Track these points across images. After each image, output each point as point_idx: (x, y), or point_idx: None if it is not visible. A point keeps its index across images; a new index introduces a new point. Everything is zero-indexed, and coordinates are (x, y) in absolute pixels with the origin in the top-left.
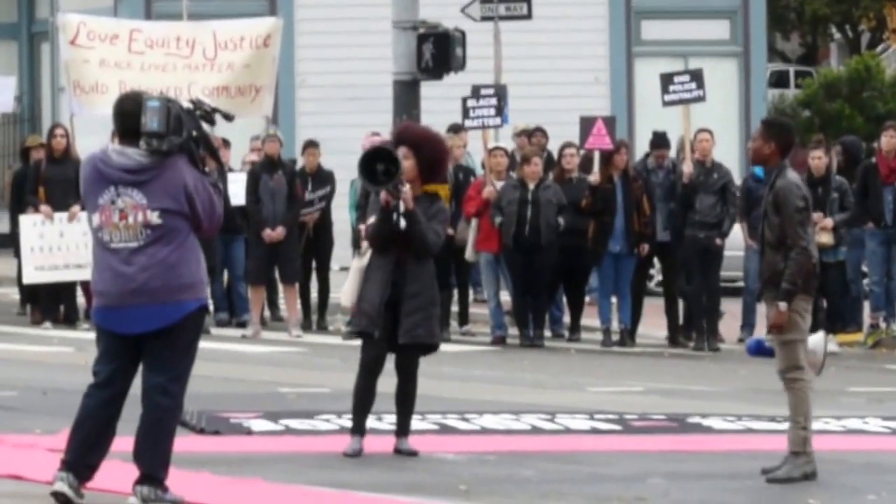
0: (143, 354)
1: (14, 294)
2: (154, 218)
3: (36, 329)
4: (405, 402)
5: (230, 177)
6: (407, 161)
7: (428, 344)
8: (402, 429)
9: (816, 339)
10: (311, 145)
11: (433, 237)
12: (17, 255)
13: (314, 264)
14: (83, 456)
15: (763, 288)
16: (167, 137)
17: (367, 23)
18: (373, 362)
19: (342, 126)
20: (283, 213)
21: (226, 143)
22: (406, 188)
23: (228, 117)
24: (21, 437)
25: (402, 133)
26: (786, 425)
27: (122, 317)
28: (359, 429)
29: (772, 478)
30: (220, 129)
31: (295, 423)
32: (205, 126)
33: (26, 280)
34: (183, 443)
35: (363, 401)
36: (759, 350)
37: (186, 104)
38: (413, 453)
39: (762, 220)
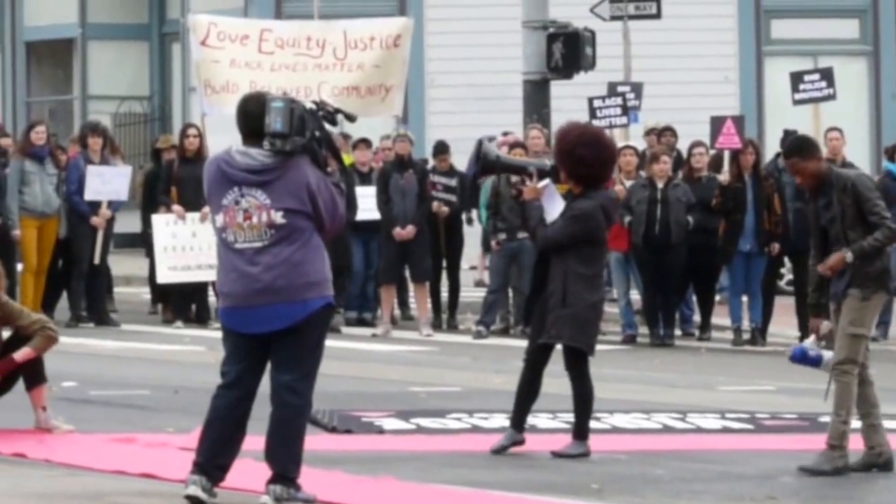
0: (270, 353)
1: (145, 293)
2: (278, 218)
3: (167, 328)
4: (574, 403)
5: (359, 191)
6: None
7: (553, 345)
8: (574, 430)
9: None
10: (441, 151)
11: (543, 232)
12: (149, 254)
13: (444, 263)
14: (215, 457)
15: (846, 288)
16: (290, 138)
17: (496, 23)
18: (528, 353)
19: (472, 126)
20: (413, 212)
21: (365, 142)
22: (529, 183)
23: (351, 118)
24: (153, 435)
25: None
26: None
27: (249, 317)
28: (513, 422)
29: (803, 467)
30: (351, 129)
31: (426, 422)
32: (327, 126)
33: (160, 280)
34: (315, 442)
35: (518, 394)
36: (803, 358)
37: (310, 104)
38: (565, 455)
39: (839, 224)
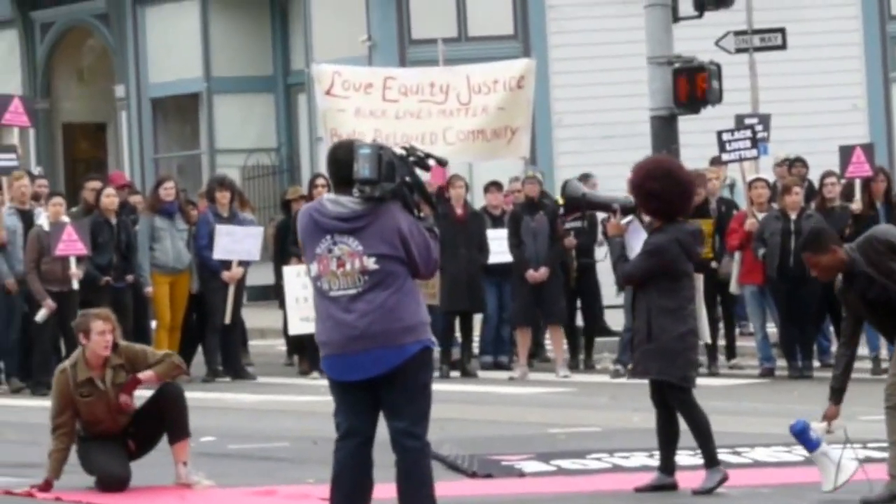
0: (381, 402)
1: (281, 345)
2: (370, 264)
3: (304, 379)
4: (692, 435)
5: (491, 234)
6: None
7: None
8: (704, 461)
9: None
10: None
11: (622, 269)
12: (283, 306)
13: (579, 303)
14: None
15: None
16: (379, 184)
17: (621, 60)
18: (651, 395)
19: (601, 164)
20: (545, 254)
21: (496, 185)
22: (613, 219)
23: (442, 162)
24: (294, 487)
25: None
26: None
27: (348, 364)
28: (661, 466)
29: (865, 499)
30: (481, 172)
31: (566, 464)
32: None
33: (292, 331)
34: (456, 487)
35: (659, 438)
36: (801, 434)
37: (399, 150)
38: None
39: (893, 286)
